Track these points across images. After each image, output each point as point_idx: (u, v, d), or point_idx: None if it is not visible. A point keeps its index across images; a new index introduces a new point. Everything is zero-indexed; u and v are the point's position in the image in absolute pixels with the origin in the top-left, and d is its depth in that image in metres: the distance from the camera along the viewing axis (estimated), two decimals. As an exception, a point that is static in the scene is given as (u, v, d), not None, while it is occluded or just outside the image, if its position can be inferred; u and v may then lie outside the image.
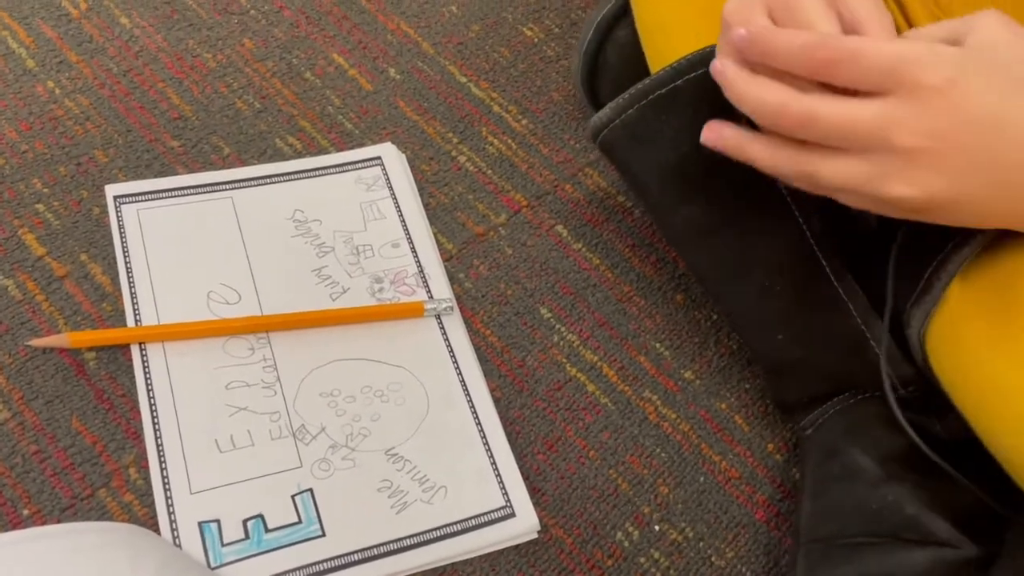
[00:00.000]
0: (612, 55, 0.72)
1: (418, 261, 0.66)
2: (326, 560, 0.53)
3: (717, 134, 0.48)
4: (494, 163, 0.74)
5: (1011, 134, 0.39)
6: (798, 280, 0.49)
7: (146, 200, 0.66)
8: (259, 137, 0.71)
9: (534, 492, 0.58)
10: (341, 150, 0.72)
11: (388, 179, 0.70)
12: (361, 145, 0.72)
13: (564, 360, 0.64)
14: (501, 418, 0.60)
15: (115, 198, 0.65)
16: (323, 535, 0.54)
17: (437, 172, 0.73)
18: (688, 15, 0.60)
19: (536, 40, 0.82)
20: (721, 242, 0.53)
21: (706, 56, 0.56)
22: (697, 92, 0.53)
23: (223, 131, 0.71)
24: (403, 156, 0.72)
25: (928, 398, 0.53)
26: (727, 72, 0.45)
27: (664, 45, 0.60)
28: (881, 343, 0.53)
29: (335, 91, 0.75)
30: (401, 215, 0.68)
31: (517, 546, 0.56)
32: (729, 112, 0.48)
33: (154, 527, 0.53)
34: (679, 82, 0.55)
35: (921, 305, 0.49)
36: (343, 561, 0.53)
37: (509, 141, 0.75)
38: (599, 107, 0.74)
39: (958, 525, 0.49)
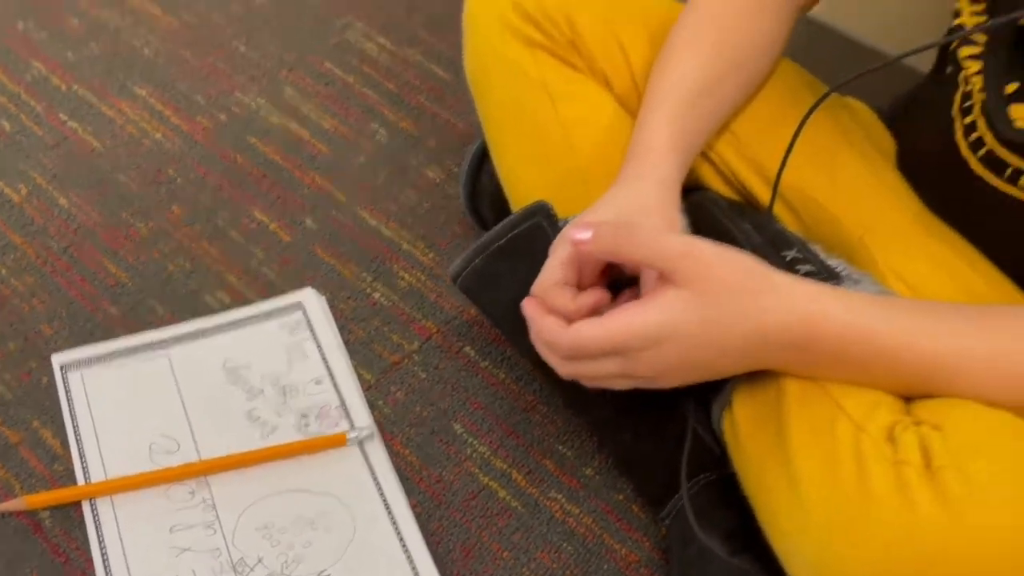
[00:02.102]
0: (487, 179, 0.82)
1: (340, 394, 0.74)
2: None
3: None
4: (405, 295, 0.82)
5: (710, 363, 0.54)
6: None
7: (90, 365, 0.73)
8: (190, 295, 0.79)
9: (456, 596, 0.65)
10: (265, 299, 0.80)
11: (309, 321, 0.78)
12: (283, 292, 0.81)
13: (477, 471, 0.72)
14: (422, 531, 0.67)
15: (61, 367, 0.73)
16: (265, 658, 0.60)
17: (354, 309, 0.81)
18: (529, 172, 0.71)
19: (439, 180, 0.92)
20: None
21: (533, 211, 0.66)
22: (529, 242, 0.63)
23: (157, 293, 0.79)
24: (322, 298, 0.80)
25: None
26: (526, 314, 0.59)
27: (514, 195, 0.71)
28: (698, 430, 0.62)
29: (258, 245, 0.84)
30: (322, 353, 0.76)
31: (443, 648, 0.62)
32: None
33: (110, 668, 0.59)
34: (512, 234, 0.65)
35: (717, 401, 0.58)
36: None
37: (418, 274, 0.84)
38: (484, 224, 0.85)
39: None
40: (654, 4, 0.73)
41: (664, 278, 0.53)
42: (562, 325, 0.57)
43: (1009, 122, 0.57)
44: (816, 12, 0.75)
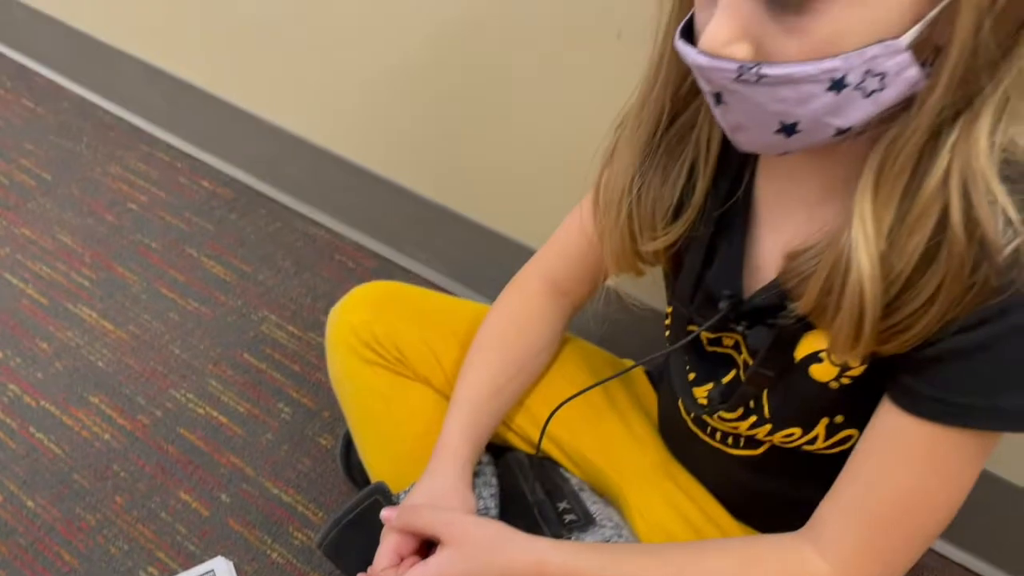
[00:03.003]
0: (355, 454, 1.05)
1: (240, 646, 0.94)
2: None
3: None
4: (298, 552, 1.04)
5: None
6: None
7: (46, 642, 0.94)
8: (127, 572, 1.01)
9: None
10: (186, 569, 1.01)
11: (218, 586, 0.99)
12: (201, 561, 1.02)
13: None
14: None
15: (23, 647, 0.94)
16: None
17: (256, 570, 1.02)
18: (375, 456, 0.94)
19: (329, 447, 1.15)
20: None
21: (372, 491, 0.89)
22: (370, 515, 0.85)
23: (101, 575, 1.01)
24: (231, 563, 1.02)
25: None
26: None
27: (369, 472, 0.94)
28: None
29: (182, 522, 1.07)
30: (228, 612, 0.97)
31: None
32: None
33: None
34: (357, 511, 0.87)
35: None
36: None
37: (308, 532, 1.06)
38: (358, 485, 1.07)
39: None
40: (461, 316, 0.98)
41: (441, 542, 0.75)
42: None
43: (694, 399, 0.81)
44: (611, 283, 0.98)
